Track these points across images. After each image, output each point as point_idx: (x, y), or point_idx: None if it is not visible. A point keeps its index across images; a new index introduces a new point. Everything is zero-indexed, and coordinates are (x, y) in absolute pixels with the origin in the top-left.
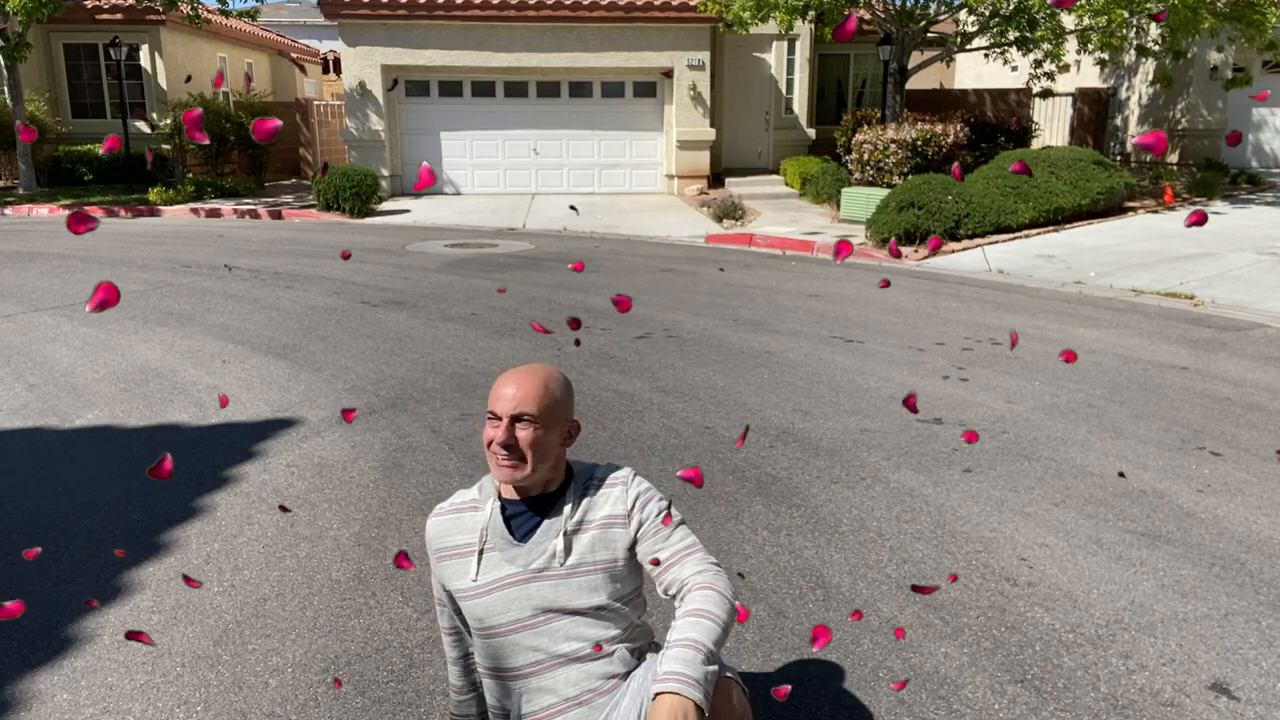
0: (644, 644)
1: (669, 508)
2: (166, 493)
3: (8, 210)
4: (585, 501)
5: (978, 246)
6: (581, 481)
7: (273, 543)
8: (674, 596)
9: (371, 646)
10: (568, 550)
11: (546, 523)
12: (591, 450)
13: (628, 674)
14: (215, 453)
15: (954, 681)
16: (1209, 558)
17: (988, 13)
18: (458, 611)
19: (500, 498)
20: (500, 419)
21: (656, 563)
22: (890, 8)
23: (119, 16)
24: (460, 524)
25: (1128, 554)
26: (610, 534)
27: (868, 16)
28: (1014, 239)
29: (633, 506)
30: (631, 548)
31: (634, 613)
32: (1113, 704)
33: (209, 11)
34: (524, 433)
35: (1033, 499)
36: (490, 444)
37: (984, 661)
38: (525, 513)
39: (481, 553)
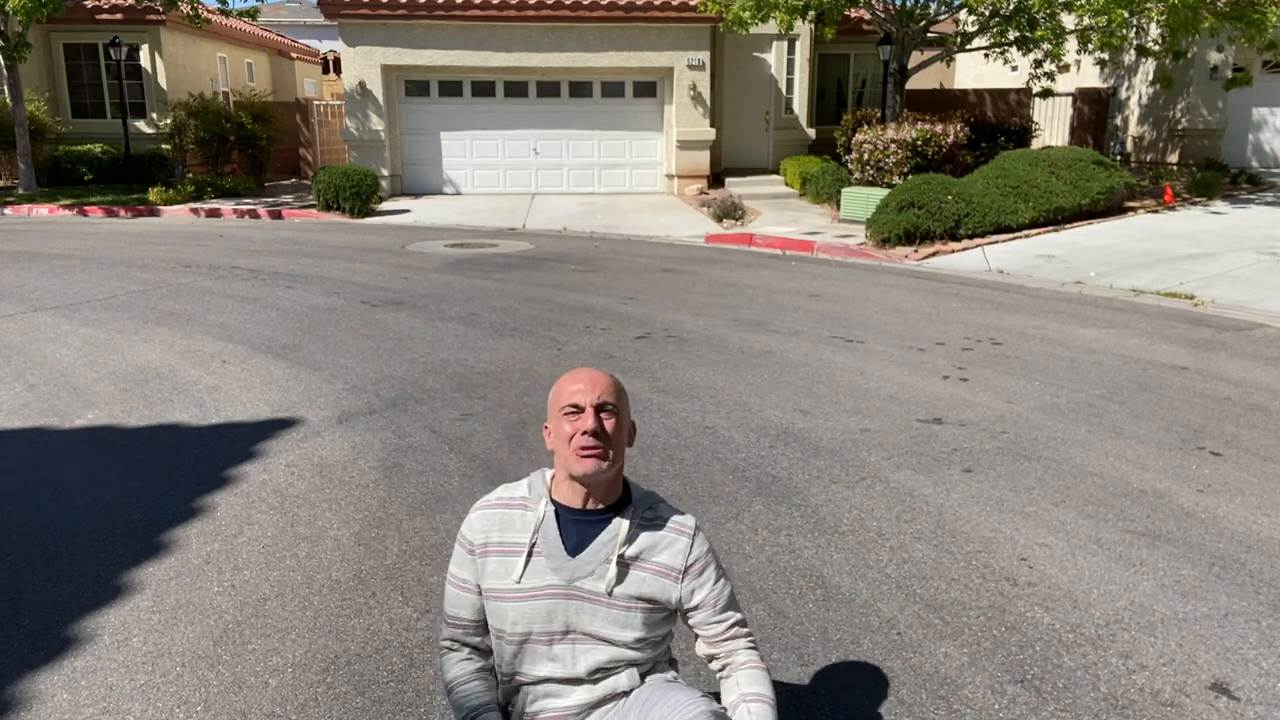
0: (654, 665)
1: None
2: (166, 493)
3: (8, 210)
4: (645, 536)
5: (978, 246)
6: (642, 509)
7: (273, 543)
8: (715, 663)
9: (371, 646)
10: (619, 580)
11: (600, 539)
12: None
13: (630, 691)
14: (215, 453)
15: (954, 681)
16: (1209, 558)
17: (988, 13)
18: (478, 592)
19: (552, 501)
20: (582, 410)
21: (703, 634)
22: (890, 8)
23: (119, 16)
24: (509, 521)
25: (1128, 554)
26: (662, 583)
27: (868, 16)
28: (1014, 239)
29: (689, 567)
30: (679, 604)
31: (659, 648)
32: (1113, 704)
33: (209, 11)
34: (609, 421)
35: (1033, 499)
36: (573, 437)
37: (984, 661)
38: (580, 522)
39: (530, 554)
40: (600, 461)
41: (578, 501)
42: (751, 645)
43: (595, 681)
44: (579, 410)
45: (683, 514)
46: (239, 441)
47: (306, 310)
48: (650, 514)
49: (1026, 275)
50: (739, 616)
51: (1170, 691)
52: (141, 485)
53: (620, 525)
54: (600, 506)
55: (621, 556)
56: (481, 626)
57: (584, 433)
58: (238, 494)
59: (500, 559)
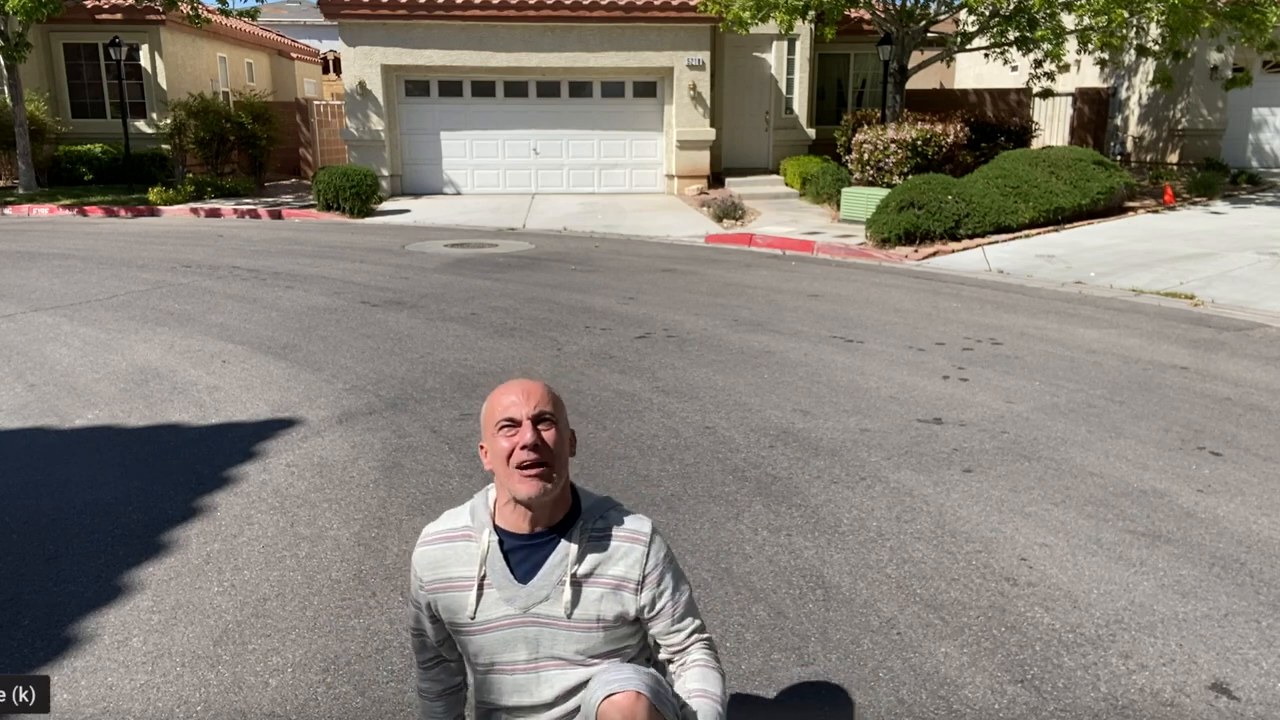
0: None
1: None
2: (166, 493)
3: (8, 210)
4: (597, 550)
5: (978, 246)
6: (591, 521)
7: (273, 543)
8: (672, 666)
9: (371, 646)
10: (575, 601)
11: (550, 563)
12: (591, 450)
13: None
14: (215, 453)
15: (954, 681)
16: (1209, 558)
17: (988, 13)
18: (434, 619)
19: (496, 528)
20: (519, 423)
21: (663, 643)
22: (890, 8)
23: (119, 16)
24: (453, 554)
25: (1128, 554)
26: (620, 596)
27: (868, 16)
28: (1014, 239)
29: (645, 577)
30: (638, 614)
31: (628, 656)
32: (1113, 704)
33: (209, 11)
34: (549, 433)
35: (1033, 499)
36: (511, 453)
37: (984, 661)
38: (526, 547)
39: (481, 588)
40: (544, 482)
41: (524, 526)
42: (706, 646)
43: (560, 704)
44: (515, 424)
45: (637, 518)
46: (239, 441)
47: (306, 310)
48: (601, 524)
49: (1026, 275)
50: (697, 623)
51: (1170, 691)
52: (141, 485)
53: (570, 545)
54: (547, 527)
55: (574, 576)
56: (445, 642)
57: (523, 447)
58: (238, 494)
59: (452, 595)
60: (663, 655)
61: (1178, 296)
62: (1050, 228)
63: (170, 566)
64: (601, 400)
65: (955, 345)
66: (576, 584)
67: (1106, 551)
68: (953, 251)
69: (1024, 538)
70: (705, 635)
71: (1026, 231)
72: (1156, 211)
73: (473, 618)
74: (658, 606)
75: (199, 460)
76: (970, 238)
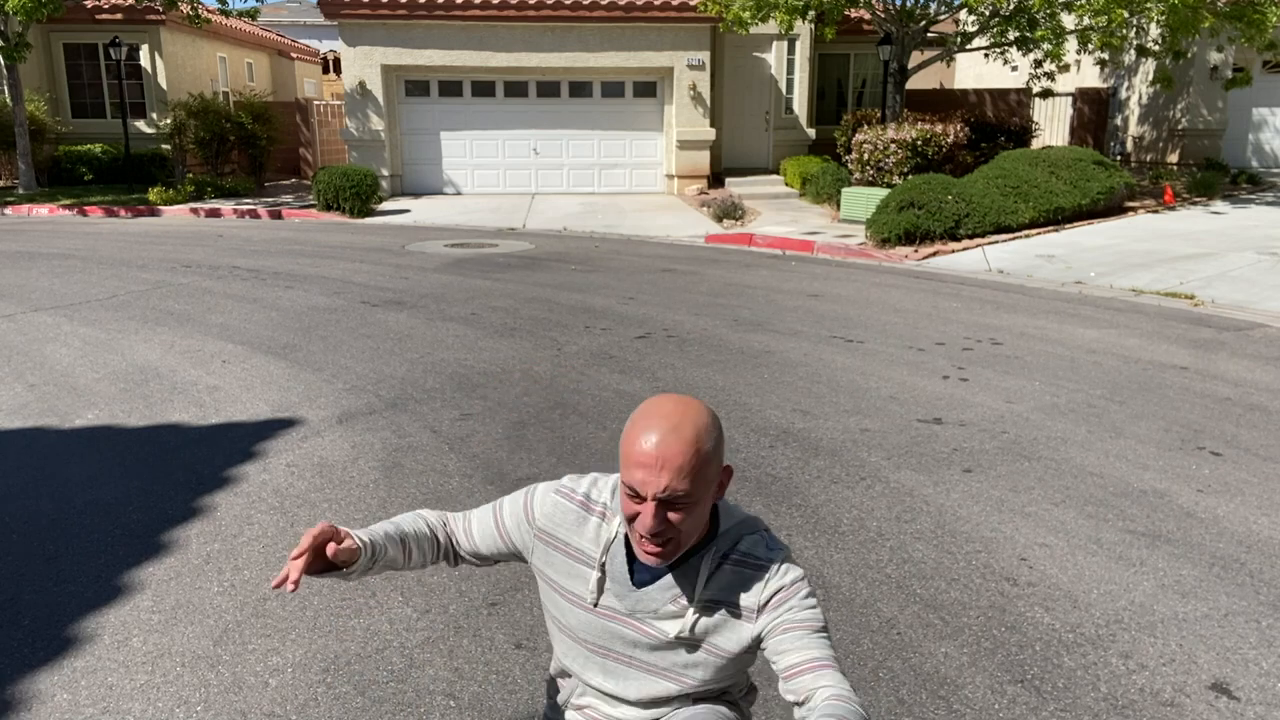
0: (721, 695)
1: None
2: (166, 493)
3: (8, 210)
4: (721, 576)
5: (978, 246)
6: (725, 544)
7: (273, 543)
8: (796, 703)
9: (371, 646)
10: (687, 624)
11: (669, 578)
12: (591, 450)
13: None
14: (215, 453)
15: (954, 681)
16: (1209, 558)
17: (988, 13)
18: (508, 550)
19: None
20: (643, 499)
21: (778, 665)
22: (890, 8)
23: (119, 16)
24: (584, 525)
25: (1128, 554)
26: (733, 624)
27: (868, 16)
28: (1014, 239)
29: (767, 602)
30: (755, 643)
31: (724, 685)
32: (1113, 704)
33: (209, 11)
34: (676, 514)
35: (1033, 499)
36: (634, 518)
37: (984, 661)
38: None
39: (601, 572)
40: (660, 559)
41: None
42: (841, 687)
43: (645, 707)
44: (640, 498)
45: (773, 547)
46: (239, 441)
47: (306, 310)
48: (731, 550)
49: (1026, 275)
50: (828, 653)
51: (1170, 691)
52: (141, 485)
53: (694, 568)
54: None
55: (692, 600)
56: (476, 555)
57: (644, 530)
58: (238, 494)
59: (566, 560)
60: (788, 689)
61: (1178, 296)
62: (1050, 228)
63: (170, 566)
64: (601, 400)
65: (955, 345)
66: (698, 611)
67: (1106, 551)
68: (953, 251)
69: (1024, 538)
70: (840, 673)
71: (1026, 231)
72: (1156, 211)
73: (581, 595)
74: (773, 624)
75: (199, 460)
76: (970, 238)
